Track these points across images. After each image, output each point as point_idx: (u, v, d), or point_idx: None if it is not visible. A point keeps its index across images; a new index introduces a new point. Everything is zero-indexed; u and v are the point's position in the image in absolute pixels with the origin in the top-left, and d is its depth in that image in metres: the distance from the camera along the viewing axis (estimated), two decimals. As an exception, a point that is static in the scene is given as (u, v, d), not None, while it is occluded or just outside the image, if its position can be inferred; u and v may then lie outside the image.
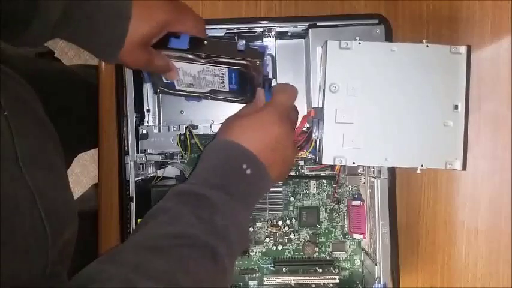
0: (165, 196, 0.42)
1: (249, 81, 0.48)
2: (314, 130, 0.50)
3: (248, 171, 0.42)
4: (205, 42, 0.46)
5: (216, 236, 0.38)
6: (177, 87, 0.51)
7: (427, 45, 0.48)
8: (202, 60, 0.46)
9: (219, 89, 0.50)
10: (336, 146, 0.49)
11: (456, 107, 0.49)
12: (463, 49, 0.49)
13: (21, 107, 0.43)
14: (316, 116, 0.50)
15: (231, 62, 0.46)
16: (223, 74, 0.47)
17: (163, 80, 0.50)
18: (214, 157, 0.44)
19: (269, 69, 0.49)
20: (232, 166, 0.42)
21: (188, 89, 0.52)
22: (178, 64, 0.47)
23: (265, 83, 0.49)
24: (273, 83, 0.59)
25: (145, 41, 0.43)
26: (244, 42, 0.46)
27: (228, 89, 0.50)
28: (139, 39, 0.42)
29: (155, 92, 0.56)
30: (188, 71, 0.48)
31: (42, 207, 0.39)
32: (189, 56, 0.46)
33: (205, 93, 0.52)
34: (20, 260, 0.37)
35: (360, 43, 0.48)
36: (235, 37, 0.57)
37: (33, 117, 0.45)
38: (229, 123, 0.46)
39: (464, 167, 0.49)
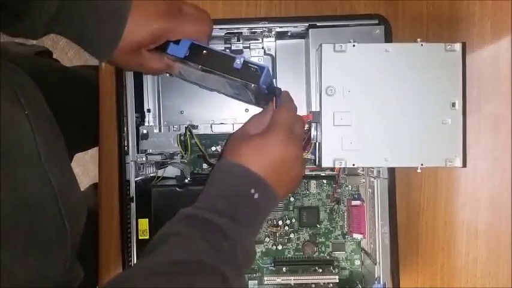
0: (172, 219, 0.41)
1: (250, 92, 0.47)
2: (313, 134, 0.50)
3: (256, 196, 0.42)
4: (205, 51, 0.45)
5: (225, 261, 0.39)
6: (187, 78, 0.51)
7: (422, 44, 0.48)
8: (200, 70, 0.45)
9: (223, 91, 0.50)
10: (335, 149, 0.49)
11: (453, 104, 0.49)
12: (457, 46, 0.49)
13: (37, 106, 0.44)
14: (314, 119, 0.50)
15: (227, 77, 0.45)
16: (223, 81, 0.47)
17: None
18: (222, 181, 0.43)
19: (270, 78, 0.47)
20: (240, 191, 0.42)
21: (197, 81, 0.51)
22: (180, 65, 0.47)
23: (272, 92, 0.48)
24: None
25: (136, 47, 0.42)
26: (242, 60, 0.44)
27: (231, 93, 0.50)
28: (130, 44, 0.41)
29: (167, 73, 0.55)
30: (190, 72, 0.48)
31: (62, 203, 0.41)
32: (187, 62, 0.45)
33: (213, 89, 0.52)
34: (45, 256, 0.39)
35: (354, 45, 0.48)
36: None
37: (46, 116, 0.46)
38: (238, 143, 0.45)
39: (464, 164, 0.49)
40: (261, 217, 0.44)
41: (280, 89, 0.48)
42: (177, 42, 0.44)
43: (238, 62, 0.44)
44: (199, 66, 0.45)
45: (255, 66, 0.44)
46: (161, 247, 0.39)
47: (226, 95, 0.53)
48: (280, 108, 0.47)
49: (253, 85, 0.44)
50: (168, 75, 0.59)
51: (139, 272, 0.37)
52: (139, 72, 0.53)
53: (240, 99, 0.53)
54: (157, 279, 0.36)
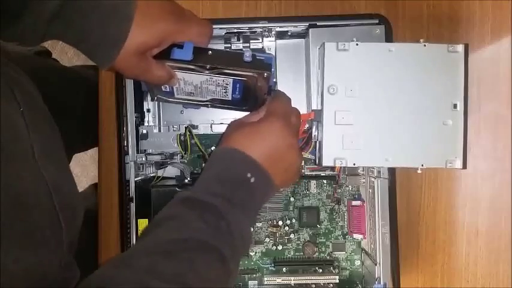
0: (170, 202, 0.42)
1: (254, 91, 0.47)
2: (314, 132, 0.50)
3: (252, 180, 0.42)
4: (210, 52, 0.45)
5: (223, 240, 0.39)
6: (176, 96, 0.50)
7: (425, 45, 0.49)
8: (207, 71, 0.45)
9: (221, 98, 0.50)
10: (336, 148, 0.49)
11: (455, 105, 0.49)
12: (460, 48, 0.49)
13: (33, 104, 0.44)
14: (316, 118, 0.50)
15: (238, 74, 0.45)
16: (227, 84, 0.47)
17: (162, 87, 0.49)
18: (219, 165, 0.43)
19: (273, 77, 0.47)
20: (236, 175, 0.42)
21: (187, 97, 0.51)
22: (180, 74, 0.46)
23: (271, 90, 0.48)
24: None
25: (142, 49, 0.41)
26: (250, 53, 0.44)
27: (230, 98, 0.49)
28: (136, 46, 0.40)
29: (152, 99, 0.55)
30: (190, 81, 0.47)
31: (57, 201, 0.41)
32: (193, 66, 0.44)
33: (205, 101, 0.51)
34: (41, 253, 0.38)
35: (357, 44, 0.48)
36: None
37: (43, 114, 0.46)
38: (233, 131, 0.45)
39: (465, 166, 0.49)
40: (257, 203, 0.44)
41: (275, 83, 0.49)
42: (179, 47, 0.44)
43: (247, 55, 0.44)
44: (208, 66, 0.44)
45: (262, 57, 0.45)
46: (160, 228, 0.39)
47: (218, 106, 0.52)
48: (275, 98, 0.47)
49: (266, 74, 0.44)
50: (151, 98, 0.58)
51: (139, 251, 0.37)
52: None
53: (233, 108, 0.52)
54: (157, 257, 0.36)
